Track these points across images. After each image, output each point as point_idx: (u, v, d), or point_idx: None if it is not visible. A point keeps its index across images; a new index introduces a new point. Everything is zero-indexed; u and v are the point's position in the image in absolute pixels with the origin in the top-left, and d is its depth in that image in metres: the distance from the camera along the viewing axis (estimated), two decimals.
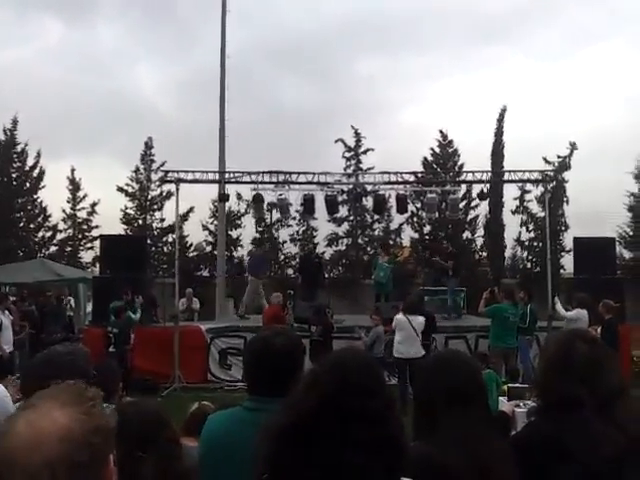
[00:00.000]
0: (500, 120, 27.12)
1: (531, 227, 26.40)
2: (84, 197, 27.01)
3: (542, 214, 23.48)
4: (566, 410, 1.93)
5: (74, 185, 27.08)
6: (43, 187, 26.52)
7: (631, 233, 26.89)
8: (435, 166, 25.89)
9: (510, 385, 3.79)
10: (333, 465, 1.34)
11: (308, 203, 12.93)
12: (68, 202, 27.01)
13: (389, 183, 12.98)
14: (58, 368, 2.03)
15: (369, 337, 9.94)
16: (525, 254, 26.85)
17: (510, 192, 25.70)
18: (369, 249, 26.30)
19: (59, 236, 26.94)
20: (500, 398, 2.96)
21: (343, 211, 24.60)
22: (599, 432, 1.85)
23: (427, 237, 26.67)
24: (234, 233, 26.27)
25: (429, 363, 2.13)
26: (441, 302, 15.80)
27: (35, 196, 26.56)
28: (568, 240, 22.75)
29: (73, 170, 27.01)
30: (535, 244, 26.01)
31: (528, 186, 23.14)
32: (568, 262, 21.57)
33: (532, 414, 2.14)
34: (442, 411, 1.86)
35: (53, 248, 26.69)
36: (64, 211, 26.91)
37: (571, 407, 1.92)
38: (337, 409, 1.38)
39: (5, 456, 1.02)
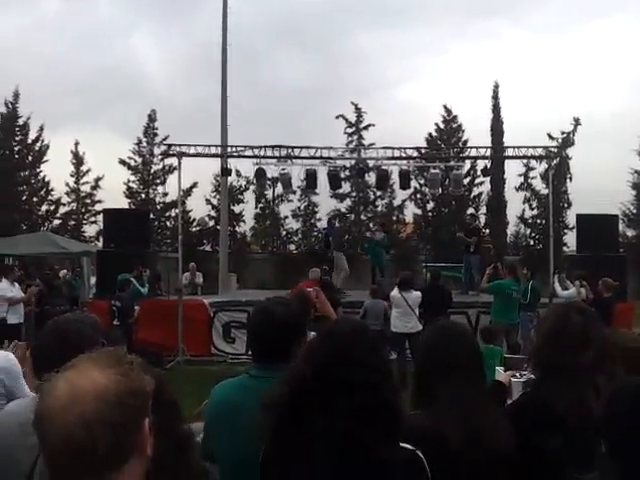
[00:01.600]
0: (495, 97, 26.89)
1: (534, 204, 26.32)
2: (88, 171, 26.99)
3: (545, 191, 23.37)
4: (560, 378, 1.97)
5: (77, 159, 27.03)
6: (46, 161, 26.51)
7: (634, 211, 26.82)
8: (439, 142, 25.72)
9: (507, 355, 3.86)
10: (326, 431, 1.38)
11: (310, 178, 12.89)
12: (72, 176, 27.01)
13: (392, 158, 12.91)
14: (66, 335, 2.04)
15: (362, 310, 10.01)
16: (528, 231, 26.82)
17: (513, 169, 25.63)
18: (372, 225, 26.33)
19: (62, 210, 27.01)
20: (497, 368, 3.00)
21: (345, 187, 24.53)
22: (590, 399, 1.90)
23: (430, 213, 26.64)
24: (236, 208, 26.27)
25: (425, 335, 2.17)
26: (452, 278, 15.84)
27: (38, 170, 26.53)
28: (571, 217, 22.72)
29: (77, 144, 26.96)
30: (538, 221, 25.96)
31: (532, 163, 23.20)
32: (571, 239, 21.55)
33: (529, 385, 2.19)
34: (438, 381, 1.91)
35: (56, 222, 26.77)
36: (67, 185, 26.93)
37: (564, 376, 1.96)
38: (329, 378, 1.42)
39: (45, 413, 1.06)
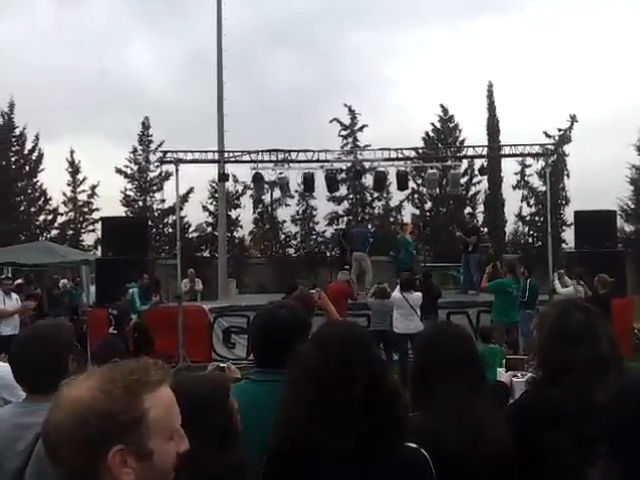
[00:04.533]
0: (490, 96, 26.95)
1: (532, 202, 26.36)
2: (84, 180, 26.97)
3: (543, 188, 23.41)
4: (562, 378, 1.96)
5: (74, 167, 27.00)
6: (42, 170, 26.49)
7: (632, 206, 26.85)
8: (436, 142, 25.76)
9: (508, 357, 3.85)
10: (329, 430, 1.38)
11: (308, 181, 12.89)
12: (68, 185, 27.00)
13: (389, 160, 12.91)
14: (44, 340, 2.10)
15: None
16: (526, 229, 26.85)
17: (510, 167, 25.66)
18: (370, 227, 26.35)
19: (60, 219, 26.99)
20: (498, 369, 3.00)
21: (342, 190, 24.55)
22: (593, 398, 1.88)
23: (428, 213, 26.66)
24: (233, 213, 26.27)
25: (424, 336, 2.17)
26: (451, 278, 15.80)
27: (35, 180, 26.51)
28: (569, 214, 22.73)
29: (72, 152, 26.95)
30: (536, 219, 25.99)
31: (529, 160, 23.24)
32: (569, 236, 21.57)
33: (530, 383, 2.18)
34: (436, 382, 1.91)
35: (54, 231, 26.72)
36: (64, 194, 26.92)
37: (567, 375, 1.95)
38: (317, 379, 1.42)
39: (48, 413, 1.06)
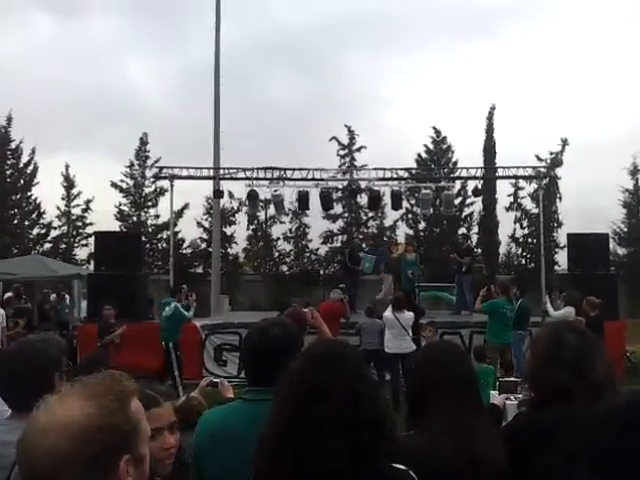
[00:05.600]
0: (490, 118, 27.25)
1: (525, 224, 26.52)
2: (78, 194, 26.94)
3: (536, 210, 23.56)
4: (556, 401, 1.95)
5: (68, 182, 26.99)
6: (37, 184, 26.46)
7: (625, 229, 27.05)
8: (429, 163, 25.95)
9: (501, 379, 3.84)
10: (306, 451, 1.37)
11: (303, 199, 12.94)
12: (63, 199, 26.94)
13: (384, 179, 13.01)
14: (29, 355, 2.06)
15: (356, 329, 9.97)
16: (519, 250, 26.96)
17: (504, 189, 25.86)
18: (364, 246, 26.39)
19: (53, 233, 26.88)
20: (491, 392, 2.99)
21: (337, 208, 24.64)
22: (584, 421, 1.88)
23: (422, 233, 26.74)
24: (228, 230, 26.27)
25: (420, 354, 2.16)
26: (444, 299, 15.75)
27: (29, 193, 26.46)
28: (562, 236, 22.87)
29: (67, 167, 26.95)
30: (529, 240, 26.12)
31: (521, 183, 23.43)
32: (562, 258, 21.67)
33: (523, 405, 2.17)
34: (433, 401, 1.90)
35: (47, 245, 26.61)
36: (58, 208, 26.84)
37: (561, 398, 1.94)
38: (296, 395, 1.42)
39: (21, 441, 1.03)
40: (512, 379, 3.43)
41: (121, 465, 1.03)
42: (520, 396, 2.51)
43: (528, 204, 25.87)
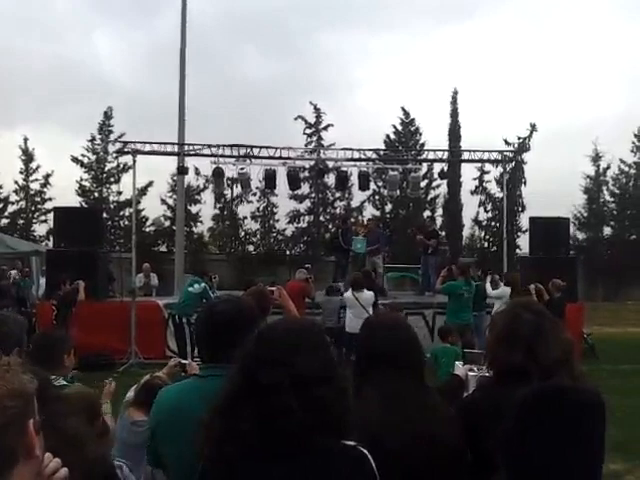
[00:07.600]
0: (454, 102, 27.45)
1: (489, 207, 26.93)
2: (37, 168, 26.11)
3: (500, 195, 23.91)
4: (512, 379, 1.96)
5: (27, 156, 26.11)
6: None
7: (585, 214, 27.75)
8: (397, 144, 26.02)
9: (466, 350, 3.94)
10: (254, 430, 1.34)
11: (269, 178, 12.77)
12: (21, 173, 26.09)
13: (351, 160, 12.92)
14: None
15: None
16: (483, 234, 27.41)
17: (469, 172, 26.15)
18: (330, 226, 26.39)
19: (11, 208, 26.05)
20: (456, 362, 3.02)
21: (305, 188, 24.53)
22: None
23: (388, 215, 26.89)
24: (193, 208, 25.90)
25: (361, 327, 2.13)
26: (409, 279, 15.89)
27: None
28: (525, 220, 23.30)
29: (26, 140, 26.06)
30: (493, 224, 26.56)
31: (487, 167, 23.69)
32: (524, 242, 22.10)
33: (481, 383, 2.18)
34: (370, 376, 1.89)
35: (4, 220, 25.80)
36: (16, 182, 26.00)
37: (517, 376, 1.95)
38: (245, 372, 1.39)
39: None
40: (478, 350, 3.47)
41: (30, 428, 1.08)
42: (483, 367, 2.53)
43: (493, 188, 26.26)
